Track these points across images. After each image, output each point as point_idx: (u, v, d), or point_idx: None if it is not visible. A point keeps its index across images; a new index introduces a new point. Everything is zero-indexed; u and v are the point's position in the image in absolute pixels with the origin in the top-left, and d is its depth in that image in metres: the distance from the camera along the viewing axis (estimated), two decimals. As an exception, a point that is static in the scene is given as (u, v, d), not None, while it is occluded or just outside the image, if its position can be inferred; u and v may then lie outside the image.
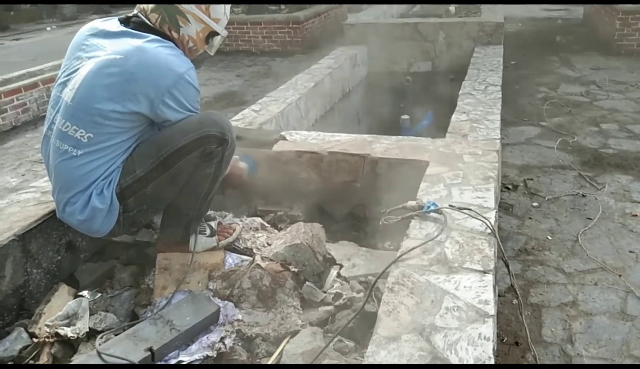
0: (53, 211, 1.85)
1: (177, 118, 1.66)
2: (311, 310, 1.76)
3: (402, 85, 5.96)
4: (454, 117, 3.29)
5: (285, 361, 1.53)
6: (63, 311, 1.69)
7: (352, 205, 2.47)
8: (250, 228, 2.15)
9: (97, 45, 1.65)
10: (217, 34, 1.83)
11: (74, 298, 1.79)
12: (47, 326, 1.65)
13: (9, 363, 1.61)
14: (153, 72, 1.59)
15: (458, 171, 2.19)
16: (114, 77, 1.57)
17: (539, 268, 2.43)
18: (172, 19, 1.72)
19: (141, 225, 2.09)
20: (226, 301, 1.75)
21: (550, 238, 2.68)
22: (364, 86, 6.04)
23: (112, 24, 1.72)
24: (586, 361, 1.89)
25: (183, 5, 1.71)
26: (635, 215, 2.83)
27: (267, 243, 2.06)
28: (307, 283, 1.83)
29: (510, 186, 3.24)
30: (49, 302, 1.76)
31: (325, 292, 1.83)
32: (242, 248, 2.02)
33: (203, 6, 1.74)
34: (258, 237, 2.10)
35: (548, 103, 4.79)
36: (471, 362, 1.22)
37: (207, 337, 1.61)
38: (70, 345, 1.64)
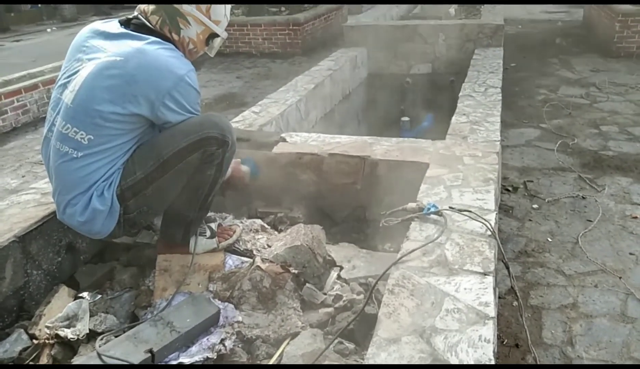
0: (53, 213, 1.85)
1: (177, 120, 1.66)
2: (311, 312, 1.76)
3: (402, 87, 5.97)
4: (454, 118, 3.29)
5: (285, 362, 1.53)
6: (63, 312, 1.69)
7: (352, 206, 2.47)
8: (251, 230, 2.15)
9: (98, 47, 1.65)
10: (217, 35, 1.83)
11: (74, 300, 1.79)
12: (47, 327, 1.65)
13: (9, 364, 1.60)
14: (153, 74, 1.59)
15: (458, 173, 2.19)
16: (114, 79, 1.57)
17: (539, 270, 2.43)
18: (173, 21, 1.72)
19: (141, 227, 2.09)
20: (226, 303, 1.75)
21: (550, 240, 2.68)
22: (364, 88, 6.05)
23: (112, 25, 1.72)
24: (586, 363, 1.89)
25: (183, 7, 1.71)
26: (635, 217, 2.83)
27: (267, 245, 2.06)
28: (307, 284, 1.83)
29: (510, 188, 3.24)
30: (49, 304, 1.76)
31: (325, 294, 1.83)
32: (242, 249, 2.02)
33: (203, 8, 1.74)
34: (258, 239, 2.10)
35: (548, 105, 4.80)
36: (472, 364, 1.22)
37: (207, 339, 1.61)
38: (70, 347, 1.64)
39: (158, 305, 1.76)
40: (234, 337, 1.63)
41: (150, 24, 1.72)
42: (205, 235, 1.96)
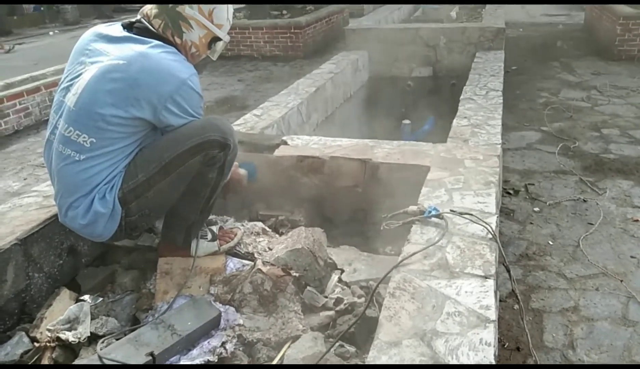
0: (55, 216, 1.85)
1: (179, 123, 1.67)
2: (312, 315, 1.76)
3: (404, 90, 5.98)
4: (455, 121, 3.29)
5: (286, 366, 1.53)
6: (64, 315, 1.70)
7: (353, 209, 2.47)
8: (252, 233, 2.16)
9: (100, 51, 1.66)
10: (219, 39, 1.83)
11: (76, 303, 1.80)
12: (49, 330, 1.65)
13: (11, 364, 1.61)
14: (156, 77, 1.60)
15: (459, 176, 2.19)
16: (117, 83, 1.58)
17: (540, 273, 2.43)
18: (175, 25, 1.73)
19: (143, 230, 2.09)
20: (227, 306, 1.76)
21: (551, 243, 2.68)
22: (365, 91, 6.05)
23: (115, 29, 1.72)
24: (587, 364, 1.89)
25: (186, 11, 1.72)
26: (637, 220, 2.82)
27: (269, 248, 2.06)
28: (308, 287, 1.83)
29: (511, 191, 3.24)
30: (51, 306, 1.76)
31: (326, 297, 1.83)
32: (243, 252, 2.02)
33: (206, 12, 1.75)
34: (259, 242, 2.10)
35: (549, 108, 4.80)
36: (472, 364, 1.22)
37: (208, 342, 1.62)
38: (71, 350, 1.65)
39: (159, 308, 1.76)
40: (235, 340, 1.63)
41: (153, 27, 1.73)
42: (207, 238, 1.96)
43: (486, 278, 1.53)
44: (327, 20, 8.85)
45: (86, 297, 1.84)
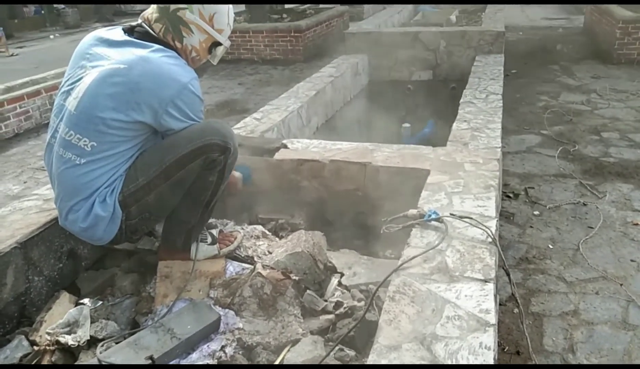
0: (55, 219, 1.85)
1: (180, 127, 1.67)
2: (312, 319, 1.75)
3: (403, 94, 5.99)
4: (455, 125, 3.30)
5: (286, 369, 1.53)
6: (64, 319, 1.69)
7: (353, 213, 2.47)
8: (252, 236, 2.16)
9: (101, 55, 1.66)
10: (220, 44, 1.84)
11: (75, 306, 1.80)
12: (48, 334, 1.65)
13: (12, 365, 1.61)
14: (157, 81, 1.60)
15: (459, 179, 2.19)
16: (118, 87, 1.58)
17: (540, 277, 2.43)
18: (176, 29, 1.73)
19: (143, 233, 2.09)
20: (227, 310, 1.75)
21: (551, 246, 2.68)
22: (365, 94, 6.06)
23: (116, 33, 1.73)
24: (587, 364, 1.89)
25: (187, 16, 1.72)
26: (637, 224, 2.82)
27: (268, 251, 2.06)
28: (308, 291, 1.83)
29: (511, 195, 3.24)
30: (50, 310, 1.76)
31: (326, 301, 1.83)
32: (243, 256, 2.02)
33: (207, 17, 1.75)
34: (259, 245, 2.10)
35: (549, 111, 4.80)
36: (471, 364, 1.22)
37: (208, 345, 1.61)
38: (70, 353, 1.64)
39: (159, 312, 1.76)
40: (234, 344, 1.63)
41: (154, 31, 1.73)
42: (207, 242, 1.96)
43: (486, 281, 1.53)
44: (327, 24, 8.88)
45: (86, 300, 1.83)
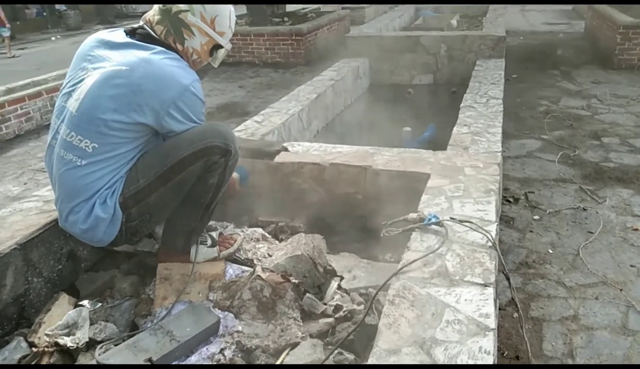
0: (55, 220, 1.85)
1: (181, 129, 1.67)
2: (311, 322, 1.75)
3: (404, 98, 5.99)
4: (455, 129, 3.30)
5: (285, 373, 1.53)
6: (63, 320, 1.69)
7: (353, 216, 2.47)
8: (251, 239, 2.16)
9: (103, 56, 1.67)
10: (221, 46, 1.84)
11: (74, 308, 1.79)
12: (47, 335, 1.65)
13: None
14: (159, 83, 1.60)
15: (459, 183, 2.19)
16: (119, 88, 1.59)
17: (539, 282, 2.42)
18: (177, 32, 1.74)
19: (143, 235, 2.09)
20: (226, 312, 1.75)
21: (551, 251, 2.67)
22: (366, 98, 6.07)
23: (117, 35, 1.73)
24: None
25: (188, 18, 1.73)
26: (637, 229, 2.82)
27: (268, 254, 2.06)
28: (307, 294, 1.83)
29: (511, 199, 3.24)
30: (49, 311, 1.76)
31: (325, 304, 1.82)
32: (242, 258, 2.02)
33: (208, 19, 1.76)
34: (259, 248, 2.10)
35: (549, 116, 4.81)
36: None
37: (207, 348, 1.61)
38: (69, 355, 1.64)
39: (158, 314, 1.76)
40: (233, 347, 1.62)
41: (156, 33, 1.74)
42: (206, 244, 1.96)
43: (486, 286, 1.52)
44: (328, 28, 8.89)
45: (85, 302, 1.83)
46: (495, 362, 1.30)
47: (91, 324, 1.71)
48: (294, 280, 1.84)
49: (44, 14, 18.55)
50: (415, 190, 2.18)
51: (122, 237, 1.76)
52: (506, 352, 1.98)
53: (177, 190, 1.73)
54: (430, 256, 1.67)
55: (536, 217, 3.03)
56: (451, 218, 1.86)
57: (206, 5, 1.75)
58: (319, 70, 5.71)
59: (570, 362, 1.94)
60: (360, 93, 5.96)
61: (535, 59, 7.41)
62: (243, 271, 1.94)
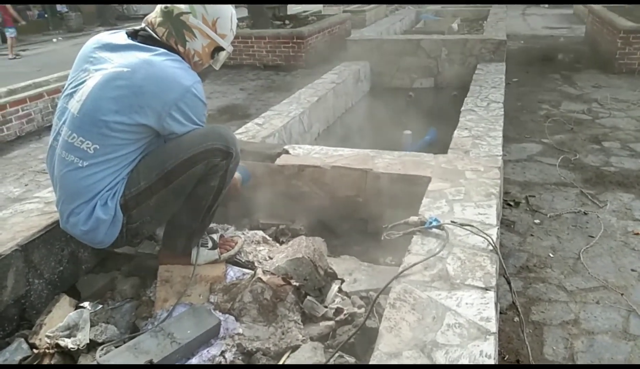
0: (56, 222, 1.85)
1: (183, 131, 1.67)
2: (312, 325, 1.75)
3: (405, 101, 6.00)
4: (456, 133, 3.30)
5: (285, 376, 1.52)
6: (64, 322, 1.69)
7: (354, 219, 2.47)
8: (252, 242, 2.16)
9: (105, 58, 1.67)
10: (222, 49, 1.84)
11: (75, 309, 1.79)
12: (48, 337, 1.65)
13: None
14: (160, 84, 1.60)
15: (460, 187, 2.19)
16: (121, 90, 1.59)
17: (540, 286, 2.42)
18: (179, 34, 1.74)
19: (144, 237, 2.09)
20: (227, 315, 1.75)
21: (552, 255, 2.67)
22: (366, 101, 6.08)
23: (119, 37, 1.74)
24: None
25: (190, 20, 1.73)
26: (637, 234, 2.82)
27: (269, 257, 2.06)
28: (308, 297, 1.82)
29: (512, 203, 3.24)
30: (50, 313, 1.75)
31: (326, 307, 1.82)
32: (243, 261, 2.02)
33: (210, 22, 1.76)
34: (260, 250, 2.10)
35: (550, 120, 4.81)
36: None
37: (208, 350, 1.61)
38: (70, 357, 1.64)
39: (159, 316, 1.76)
40: (234, 349, 1.62)
41: (157, 35, 1.74)
42: (207, 246, 1.96)
43: (487, 289, 1.52)
44: (329, 31, 8.91)
45: (86, 304, 1.83)
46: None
47: (92, 326, 1.71)
48: (294, 283, 1.84)
49: (46, 15, 18.59)
50: (416, 193, 2.18)
51: (122, 239, 1.76)
52: (507, 356, 1.98)
53: (178, 192, 1.73)
54: (431, 259, 1.66)
55: (537, 221, 3.03)
56: (452, 221, 1.86)
57: (208, 8, 1.75)
58: (319, 73, 5.72)
59: (571, 366, 1.94)
60: (361, 97, 5.97)
61: (536, 63, 7.42)
62: (244, 274, 1.94)
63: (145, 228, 1.81)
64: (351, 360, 1.55)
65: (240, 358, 1.61)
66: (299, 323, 1.73)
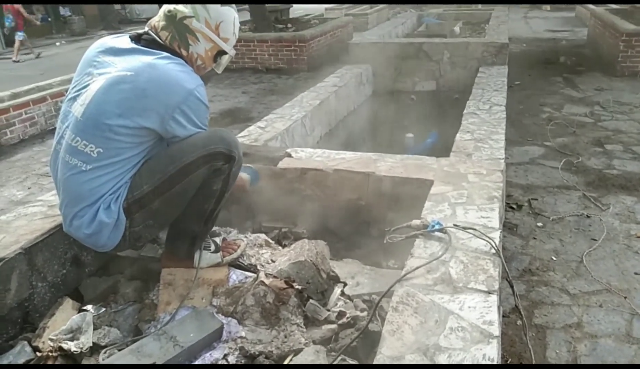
0: (60, 225, 1.86)
1: (185, 134, 1.68)
2: (314, 328, 1.75)
3: (407, 104, 6.01)
4: (458, 136, 3.31)
5: (288, 379, 1.52)
6: (67, 325, 1.70)
7: (356, 222, 2.47)
8: (255, 245, 2.16)
9: (108, 62, 1.68)
10: (225, 52, 1.85)
11: (78, 312, 1.80)
12: (51, 340, 1.65)
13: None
14: (163, 88, 1.61)
15: (462, 190, 2.19)
16: (124, 93, 1.60)
17: (543, 289, 2.42)
18: (182, 37, 1.75)
19: (147, 240, 2.10)
20: (230, 318, 1.75)
21: (554, 258, 2.67)
22: (368, 104, 6.09)
23: (122, 41, 1.75)
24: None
25: (193, 24, 1.74)
26: (640, 237, 2.82)
27: (271, 260, 2.06)
28: (310, 300, 1.82)
29: (514, 206, 3.24)
30: (53, 316, 1.76)
31: (328, 310, 1.82)
32: (246, 264, 2.02)
33: (213, 25, 1.77)
34: (262, 254, 2.10)
35: (552, 123, 4.81)
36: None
37: (210, 354, 1.61)
38: (73, 360, 1.64)
39: (162, 319, 1.76)
40: (237, 352, 1.62)
41: (161, 39, 1.75)
42: (210, 249, 1.96)
43: (489, 293, 1.52)
44: (331, 34, 8.92)
45: (89, 307, 1.84)
46: (499, 369, 1.30)
47: (95, 329, 1.72)
48: (297, 286, 1.84)
49: (49, 19, 18.67)
50: (419, 196, 2.18)
51: (125, 242, 1.76)
52: (510, 359, 1.98)
53: (180, 195, 1.74)
54: (433, 263, 1.66)
55: (539, 224, 3.02)
56: (454, 225, 1.86)
57: (211, 12, 1.76)
58: (322, 77, 5.73)
59: None
60: (363, 100, 5.97)
61: (538, 66, 7.42)
62: (246, 277, 1.94)
63: (148, 231, 1.81)
64: (353, 363, 1.55)
65: (242, 361, 1.61)
66: (301, 327, 1.73)
